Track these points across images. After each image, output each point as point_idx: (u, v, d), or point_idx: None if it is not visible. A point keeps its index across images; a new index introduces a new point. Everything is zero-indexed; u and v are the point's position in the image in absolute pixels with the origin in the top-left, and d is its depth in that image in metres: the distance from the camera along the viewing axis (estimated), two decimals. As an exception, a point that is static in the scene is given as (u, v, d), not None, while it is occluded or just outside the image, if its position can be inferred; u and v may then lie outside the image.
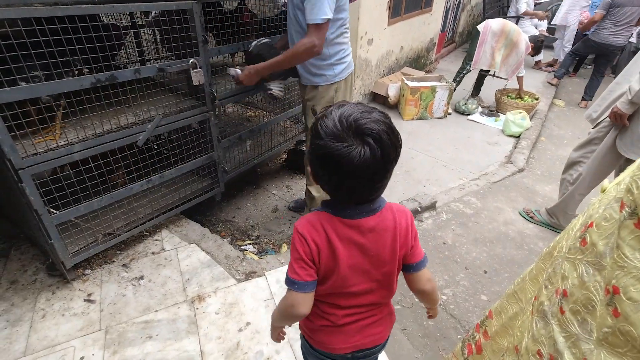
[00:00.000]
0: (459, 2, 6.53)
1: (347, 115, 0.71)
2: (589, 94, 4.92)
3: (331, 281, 0.85)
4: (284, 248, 2.33)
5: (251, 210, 2.68)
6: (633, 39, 5.13)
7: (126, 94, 1.66)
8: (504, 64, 4.08)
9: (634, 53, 4.74)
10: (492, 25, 3.96)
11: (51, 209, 1.57)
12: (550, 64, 6.25)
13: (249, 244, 2.40)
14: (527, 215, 2.54)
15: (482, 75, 4.51)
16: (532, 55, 4.33)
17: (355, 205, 0.81)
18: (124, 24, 2.18)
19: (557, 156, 3.58)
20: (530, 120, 4.09)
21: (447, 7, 6.03)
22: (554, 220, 2.40)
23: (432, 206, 2.59)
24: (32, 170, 1.44)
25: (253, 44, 1.95)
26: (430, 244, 2.30)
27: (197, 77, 1.82)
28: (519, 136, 3.87)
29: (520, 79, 4.27)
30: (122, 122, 1.69)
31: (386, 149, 0.70)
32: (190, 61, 1.77)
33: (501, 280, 2.06)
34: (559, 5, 6.12)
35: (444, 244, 2.31)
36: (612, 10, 4.24)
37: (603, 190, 0.69)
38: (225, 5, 2.15)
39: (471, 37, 4.28)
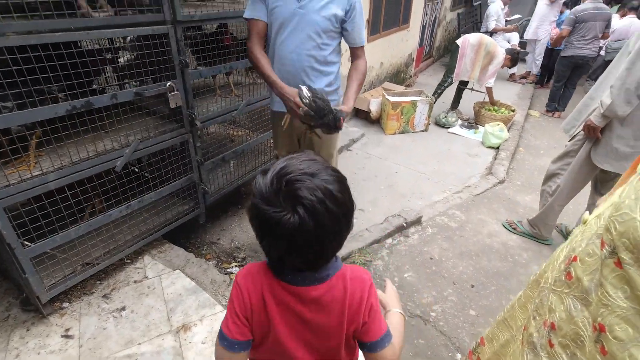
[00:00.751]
0: (435, 19, 6.74)
1: (284, 173, 0.62)
2: (562, 104, 5.10)
3: (267, 346, 0.75)
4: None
5: (236, 231, 2.63)
6: (602, 52, 5.37)
7: (104, 119, 1.63)
8: (482, 72, 4.23)
9: (606, 66, 4.99)
10: (470, 39, 4.12)
11: (25, 242, 1.50)
12: (523, 76, 6.48)
13: (235, 266, 2.35)
14: (510, 226, 2.59)
15: (461, 88, 4.62)
16: (509, 67, 4.48)
17: (296, 271, 0.71)
18: (102, 49, 2.15)
19: (535, 166, 3.68)
20: (508, 131, 4.21)
21: (424, 24, 6.21)
22: (535, 231, 2.45)
23: (417, 221, 2.60)
24: (4, 202, 1.38)
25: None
26: (417, 260, 2.30)
27: (175, 99, 1.81)
28: (498, 147, 3.96)
29: (489, 90, 4.39)
30: (99, 149, 1.65)
31: (321, 221, 0.60)
32: (167, 84, 1.75)
33: (488, 294, 2.07)
34: (529, 20, 6.39)
35: (431, 259, 2.32)
36: (577, 26, 4.47)
37: (584, 222, 0.69)
38: (205, 27, 2.15)
39: (451, 52, 4.42)
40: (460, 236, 2.54)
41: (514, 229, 2.56)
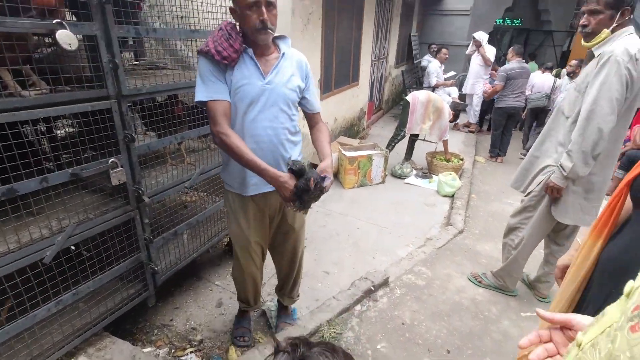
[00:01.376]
0: (382, 75, 7.22)
1: None
2: (502, 150, 5.53)
3: None
4: (233, 353, 2.05)
5: (192, 308, 2.38)
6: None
7: (31, 205, 1.43)
8: (432, 128, 4.51)
9: (536, 111, 5.55)
10: (419, 96, 4.45)
11: None
12: (466, 125, 7.00)
13: (191, 351, 2.08)
14: (476, 280, 2.58)
15: (413, 139, 4.84)
16: (452, 122, 4.83)
17: None
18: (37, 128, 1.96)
19: (488, 212, 3.82)
20: (460, 179, 4.40)
21: (372, 80, 6.60)
22: (500, 283, 2.46)
23: (385, 283, 2.52)
24: None
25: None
26: (389, 327, 2.18)
27: (118, 177, 1.65)
28: (452, 195, 4.10)
29: (445, 142, 4.67)
30: (24, 239, 1.43)
31: None
32: (109, 161, 1.60)
33: (465, 359, 1.98)
34: (465, 75, 7.06)
35: (403, 324, 2.21)
36: (508, 82, 5.07)
37: (579, 345, 0.61)
38: (158, 98, 2.05)
39: (402, 107, 4.70)
40: (429, 295, 2.48)
41: (479, 282, 2.55)
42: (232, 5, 1.47)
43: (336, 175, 4.44)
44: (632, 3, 1.74)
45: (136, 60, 2.48)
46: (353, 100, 5.67)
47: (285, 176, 1.44)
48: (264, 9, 1.38)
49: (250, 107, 1.52)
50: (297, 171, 1.43)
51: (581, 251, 1.06)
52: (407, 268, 2.75)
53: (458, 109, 4.82)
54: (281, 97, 1.55)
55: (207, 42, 1.43)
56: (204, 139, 2.61)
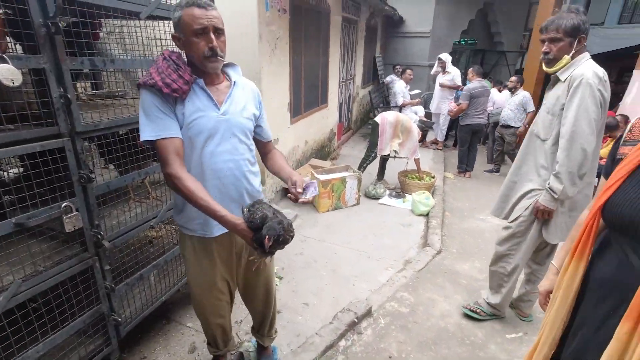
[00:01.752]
0: (350, 96, 7.32)
1: None
2: (470, 165, 5.69)
3: None
4: (208, 407, 1.86)
5: (162, 356, 2.16)
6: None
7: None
8: (402, 147, 4.58)
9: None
10: (387, 117, 4.51)
11: None
12: (434, 142, 7.18)
13: (161, 409, 1.87)
14: (474, 312, 2.43)
15: (384, 159, 4.87)
16: (421, 141, 4.93)
17: None
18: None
19: (463, 230, 3.85)
20: (432, 196, 4.44)
21: (341, 101, 6.67)
22: (498, 311, 2.39)
23: (368, 313, 2.42)
24: None
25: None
26: (376, 362, 2.08)
27: (73, 222, 1.48)
28: (427, 214, 4.11)
29: (417, 161, 4.73)
30: (-43, 303, 1.22)
31: None
32: (62, 205, 1.43)
33: (456, 391, 1.90)
34: (429, 94, 7.31)
35: (390, 357, 2.11)
36: (472, 101, 5.27)
37: None
38: (119, 131, 1.89)
39: (372, 128, 4.74)
40: (414, 322, 2.40)
41: (478, 313, 2.41)
42: (174, 32, 1.34)
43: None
44: (587, 30, 1.83)
45: (93, 90, 2.32)
46: (323, 121, 5.68)
47: (242, 223, 1.28)
48: (212, 36, 1.29)
49: (208, 141, 1.39)
50: (257, 223, 1.23)
51: (565, 273, 1.12)
52: (389, 295, 2.67)
53: (425, 128, 4.94)
54: (239, 128, 1.46)
55: (150, 73, 1.30)
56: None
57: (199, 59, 1.32)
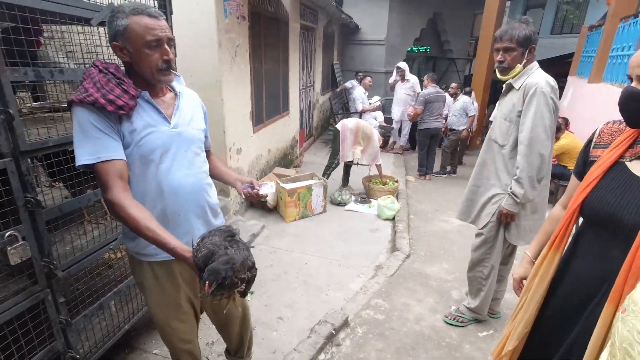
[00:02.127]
0: (310, 102, 7.32)
1: None
2: (429, 167, 5.90)
3: None
4: None
5: (125, 390, 1.99)
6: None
7: None
8: (364, 153, 4.62)
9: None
10: (348, 124, 4.53)
11: None
12: (392, 147, 7.38)
13: None
14: (455, 320, 2.46)
15: (348, 165, 4.90)
16: (382, 147, 5.02)
17: None
18: None
19: (429, 232, 3.95)
20: (397, 200, 4.53)
21: (302, 108, 6.65)
22: (478, 314, 2.44)
23: (345, 323, 2.39)
24: None
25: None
26: (356, 373, 2.05)
27: (19, 253, 1.31)
28: (393, 218, 4.18)
29: (379, 167, 4.80)
30: None
31: None
32: (5, 235, 1.26)
33: (437, 395, 1.92)
34: (388, 99, 7.51)
35: (370, 367, 2.09)
36: (428, 105, 5.46)
37: None
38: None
39: (333, 135, 4.75)
40: (391, 329, 2.41)
41: (460, 321, 2.45)
42: (117, 42, 1.19)
43: (276, 208, 4.27)
44: (536, 41, 1.95)
45: (35, 102, 2.10)
46: (285, 129, 5.62)
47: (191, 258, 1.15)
48: (167, 48, 1.22)
49: (163, 157, 1.29)
50: (199, 263, 1.08)
51: (542, 263, 1.22)
52: (363, 303, 2.66)
53: (386, 133, 5.04)
54: (191, 140, 1.38)
55: (85, 89, 1.15)
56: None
57: (151, 72, 1.22)
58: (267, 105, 4.76)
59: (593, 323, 1.01)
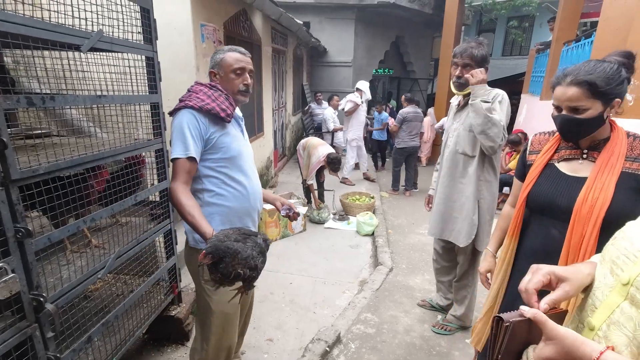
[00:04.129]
0: (282, 123, 7.41)
1: None
2: (408, 184, 6.07)
3: None
4: None
5: None
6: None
7: None
8: (306, 168, 4.72)
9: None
10: (299, 146, 4.79)
11: None
12: (366, 178, 7.40)
13: None
14: (443, 329, 2.53)
15: (320, 183, 4.95)
16: (333, 172, 4.73)
17: None
18: None
19: (407, 245, 4.07)
20: (375, 216, 4.63)
21: (275, 129, 6.71)
22: (463, 322, 2.51)
23: (337, 340, 2.40)
24: None
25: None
26: (353, 389, 2.06)
27: (8, 287, 1.25)
28: (372, 233, 4.27)
29: (310, 187, 4.78)
30: None
31: None
32: (-1, 268, 1.21)
33: (433, 403, 1.96)
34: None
35: (367, 382, 2.11)
36: (405, 124, 5.69)
37: (591, 328, 0.74)
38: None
39: None
40: (383, 342, 2.44)
41: (448, 330, 2.52)
42: (212, 69, 1.60)
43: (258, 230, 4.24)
44: (489, 61, 2.13)
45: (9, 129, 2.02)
46: (260, 150, 5.65)
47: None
48: (247, 75, 1.60)
49: (244, 162, 1.62)
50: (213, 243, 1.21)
51: (504, 250, 1.49)
52: (353, 318, 2.68)
53: (335, 160, 4.62)
54: (251, 153, 1.73)
55: (200, 99, 1.49)
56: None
57: (232, 93, 1.58)
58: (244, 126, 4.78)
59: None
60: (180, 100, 1.55)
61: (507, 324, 0.69)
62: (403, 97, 6.03)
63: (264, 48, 5.42)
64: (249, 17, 4.71)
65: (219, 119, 1.52)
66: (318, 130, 7.74)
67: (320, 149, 4.57)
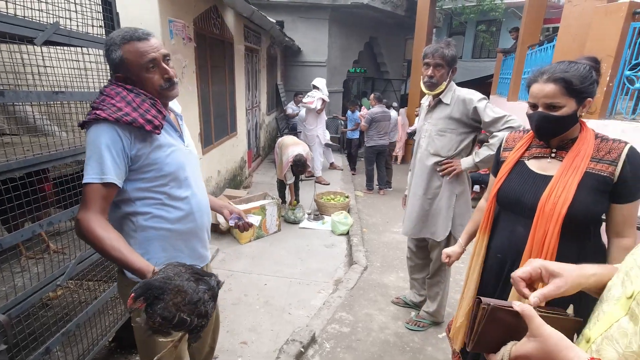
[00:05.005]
0: (256, 123, 7.32)
1: None
2: (381, 183, 6.14)
3: None
4: None
5: None
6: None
7: None
8: (279, 167, 4.71)
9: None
10: (276, 145, 4.78)
11: None
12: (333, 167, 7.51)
13: None
14: (416, 326, 2.56)
15: (296, 183, 4.92)
16: (301, 173, 4.72)
17: None
18: None
19: (382, 244, 4.11)
20: (349, 215, 4.65)
21: (249, 129, 6.62)
22: (436, 318, 2.54)
23: (312, 340, 2.38)
24: None
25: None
26: (328, 389, 2.04)
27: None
28: (347, 232, 4.28)
29: (290, 186, 4.75)
30: None
31: None
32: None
33: (407, 399, 1.98)
34: (331, 118, 7.73)
35: (342, 381, 2.10)
36: (374, 124, 5.76)
37: (587, 340, 0.70)
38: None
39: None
40: (357, 340, 2.45)
41: (422, 326, 2.55)
42: (118, 74, 1.21)
43: (229, 230, 4.16)
44: (457, 63, 2.17)
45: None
46: (233, 150, 5.55)
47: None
48: (164, 65, 1.22)
49: (187, 175, 1.33)
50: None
51: (476, 245, 1.52)
52: (328, 317, 2.67)
53: (300, 164, 4.56)
54: (197, 160, 1.45)
55: (117, 107, 1.13)
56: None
57: (157, 92, 1.23)
58: (216, 126, 4.69)
59: (509, 285, 1.28)
60: (93, 108, 1.16)
61: (485, 305, 0.68)
62: (372, 95, 6.09)
63: (236, 46, 5.33)
64: (221, 14, 4.61)
65: (146, 132, 1.18)
66: (293, 130, 7.71)
67: (291, 149, 4.48)
